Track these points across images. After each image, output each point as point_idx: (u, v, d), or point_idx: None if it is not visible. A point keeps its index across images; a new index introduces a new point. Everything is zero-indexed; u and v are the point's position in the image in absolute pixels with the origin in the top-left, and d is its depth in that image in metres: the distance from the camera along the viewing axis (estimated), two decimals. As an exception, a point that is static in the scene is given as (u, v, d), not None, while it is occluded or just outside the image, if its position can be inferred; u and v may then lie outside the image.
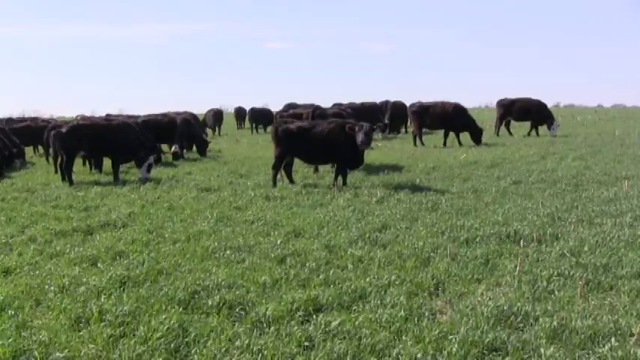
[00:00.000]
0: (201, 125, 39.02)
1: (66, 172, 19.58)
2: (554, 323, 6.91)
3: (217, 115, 49.53)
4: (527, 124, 36.94)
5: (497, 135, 36.10)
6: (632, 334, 6.62)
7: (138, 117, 30.13)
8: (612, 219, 12.13)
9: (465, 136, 31.09)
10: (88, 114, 41.35)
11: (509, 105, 36.64)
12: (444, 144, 30.73)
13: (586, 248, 10.00)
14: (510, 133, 36.31)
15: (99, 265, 9.79)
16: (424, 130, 32.44)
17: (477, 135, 30.57)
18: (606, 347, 6.36)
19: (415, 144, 31.39)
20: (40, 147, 31.35)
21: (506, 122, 36.92)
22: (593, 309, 7.47)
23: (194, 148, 29.14)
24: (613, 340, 6.52)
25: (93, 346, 6.67)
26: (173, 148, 27.45)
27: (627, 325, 6.85)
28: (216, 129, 48.19)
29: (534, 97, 36.88)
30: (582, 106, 40.17)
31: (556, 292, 8.08)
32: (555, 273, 8.74)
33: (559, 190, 16.02)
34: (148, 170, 20.26)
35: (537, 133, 35.81)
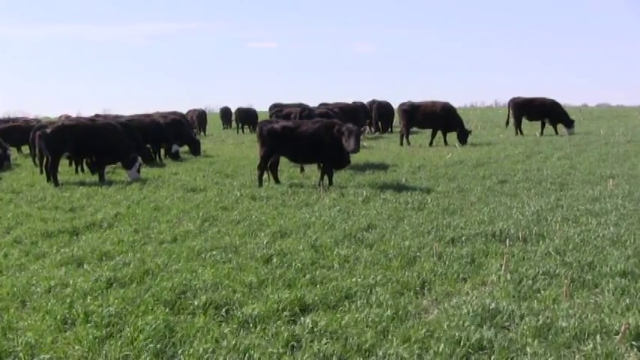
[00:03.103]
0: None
1: (51, 173, 19.53)
2: (540, 322, 6.94)
3: (200, 116, 49.38)
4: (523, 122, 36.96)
5: (521, 134, 35.86)
6: (616, 332, 6.65)
7: (140, 117, 30.12)
8: (597, 218, 12.18)
9: (451, 136, 31.17)
10: (73, 114, 41.16)
11: (524, 104, 36.42)
12: (431, 144, 30.80)
13: (571, 247, 10.05)
14: (520, 133, 36.19)
15: (85, 266, 9.78)
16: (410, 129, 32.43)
17: (463, 135, 30.64)
18: (591, 345, 6.39)
19: (402, 143, 31.42)
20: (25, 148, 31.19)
21: (516, 122, 36.58)
22: (578, 307, 7.50)
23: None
24: (598, 338, 6.55)
25: (79, 347, 6.66)
26: (173, 148, 27.40)
27: (612, 323, 6.88)
28: (199, 129, 47.99)
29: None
30: (567, 105, 40.18)
31: (541, 291, 8.11)
32: (541, 272, 8.78)
33: (544, 189, 16.08)
34: (138, 170, 20.25)
35: (556, 132, 35.89)
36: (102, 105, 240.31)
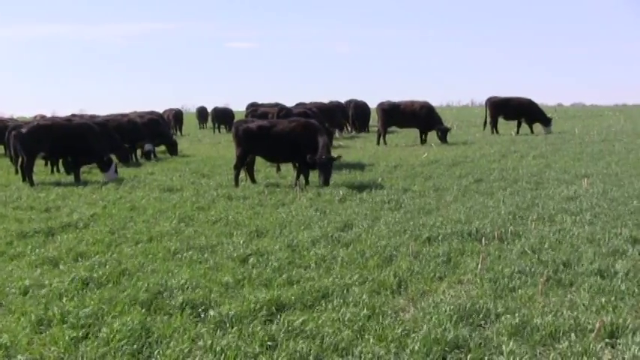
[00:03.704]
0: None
1: (26, 173, 19.41)
2: (516, 320, 6.96)
3: (177, 116, 49.21)
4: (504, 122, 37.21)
5: (497, 133, 36.11)
6: (591, 330, 6.69)
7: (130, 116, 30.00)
8: (572, 216, 12.25)
9: (429, 134, 31.32)
10: (48, 114, 40.90)
11: (501, 104, 36.63)
12: (426, 141, 30.95)
13: (546, 245, 10.10)
14: (495, 131, 36.43)
15: (61, 266, 9.70)
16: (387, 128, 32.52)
17: (443, 134, 30.77)
18: (567, 343, 6.42)
19: (378, 143, 31.48)
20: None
21: (492, 121, 36.81)
22: (553, 305, 7.54)
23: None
24: (573, 336, 6.59)
25: (55, 348, 6.62)
26: (146, 147, 27.29)
27: (587, 321, 6.92)
28: (176, 129, 47.80)
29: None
30: (542, 104, 40.42)
31: (517, 289, 8.14)
32: (516, 270, 8.81)
33: (520, 188, 16.16)
34: (115, 171, 20.21)
35: (532, 131, 36.22)
36: (78, 105, 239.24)
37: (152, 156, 27.25)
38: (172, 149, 28.83)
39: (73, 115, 31.27)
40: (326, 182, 16.94)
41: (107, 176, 19.94)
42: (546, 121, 35.74)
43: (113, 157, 21.02)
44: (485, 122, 37.23)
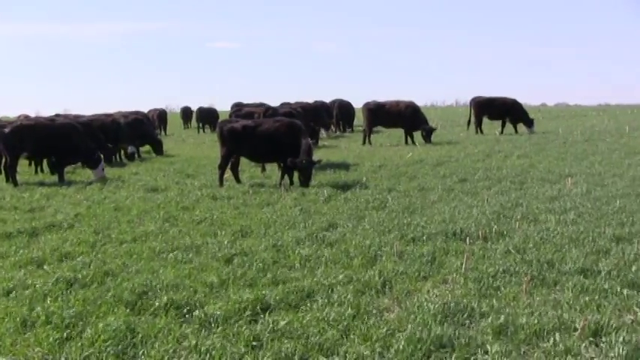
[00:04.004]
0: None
1: (10, 173, 19.33)
2: (500, 319, 6.98)
3: (161, 116, 49.10)
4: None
5: (482, 133, 36.25)
6: (575, 329, 6.71)
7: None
8: (556, 216, 12.30)
9: (415, 135, 31.38)
10: (32, 114, 40.71)
11: (486, 104, 36.78)
12: (414, 142, 31.01)
13: (531, 245, 10.13)
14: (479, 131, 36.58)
15: (45, 267, 9.65)
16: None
17: (428, 134, 30.83)
18: (551, 342, 6.44)
19: (364, 142, 31.52)
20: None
21: (476, 121, 36.95)
22: (537, 305, 7.56)
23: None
24: (557, 334, 6.60)
25: (39, 349, 6.58)
26: (129, 149, 27.19)
27: (571, 320, 6.94)
28: (160, 129, 47.69)
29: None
30: (526, 104, 40.54)
31: (502, 289, 8.16)
32: (501, 270, 8.83)
33: (504, 187, 16.20)
34: (102, 169, 20.18)
35: (516, 131, 36.40)
36: (62, 105, 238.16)
37: (135, 157, 27.14)
38: (158, 149, 28.78)
39: (57, 115, 31.11)
40: (306, 184, 16.96)
41: (96, 174, 19.92)
42: (529, 122, 35.94)
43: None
44: (470, 122, 37.30)
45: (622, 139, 29.82)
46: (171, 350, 6.49)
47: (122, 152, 27.34)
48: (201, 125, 50.00)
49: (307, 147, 17.20)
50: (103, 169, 20.20)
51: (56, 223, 12.79)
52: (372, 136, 32.15)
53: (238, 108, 33.00)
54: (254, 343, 6.62)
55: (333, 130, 40.96)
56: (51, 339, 6.74)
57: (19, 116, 34.46)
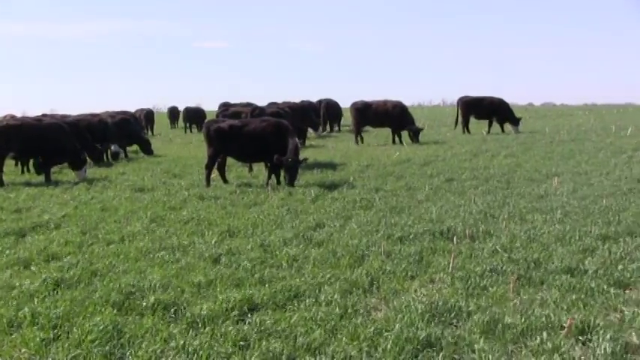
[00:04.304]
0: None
1: (-5, 174, 19.22)
2: (487, 318, 6.99)
3: (148, 116, 48.97)
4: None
5: (469, 133, 36.35)
6: (562, 328, 6.73)
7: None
8: (543, 215, 12.34)
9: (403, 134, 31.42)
10: (18, 114, 40.53)
11: (473, 103, 36.87)
12: (401, 142, 31.09)
13: (517, 244, 10.16)
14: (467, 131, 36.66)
15: (32, 267, 9.63)
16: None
17: (415, 134, 30.87)
18: (537, 341, 6.46)
19: (356, 142, 31.61)
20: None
21: (463, 120, 37.03)
22: (524, 304, 7.57)
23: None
24: (544, 333, 6.61)
25: (25, 350, 6.55)
26: (113, 148, 27.09)
27: (558, 318, 6.96)
28: (147, 129, 47.55)
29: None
30: (513, 104, 40.57)
31: (489, 288, 8.18)
32: (488, 269, 8.86)
33: (491, 187, 16.24)
34: (85, 170, 20.13)
35: (503, 130, 36.57)
36: (49, 104, 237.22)
37: (119, 157, 27.03)
38: (146, 149, 28.68)
39: (44, 115, 30.98)
40: (291, 183, 16.96)
41: (79, 175, 19.86)
42: (515, 121, 36.05)
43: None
44: (457, 121, 37.35)
45: (608, 139, 29.90)
46: (158, 350, 6.47)
47: (108, 152, 27.25)
48: (188, 125, 49.87)
49: (294, 147, 17.20)
50: (85, 171, 20.19)
51: (43, 223, 12.74)
52: (359, 135, 32.13)
53: (225, 108, 32.97)
54: (241, 343, 6.61)
55: (322, 129, 40.98)
56: (37, 339, 6.71)
57: (6, 116, 34.27)
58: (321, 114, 40.65)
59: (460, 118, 36.95)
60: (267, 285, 8.42)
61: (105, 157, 26.50)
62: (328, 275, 8.76)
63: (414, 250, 9.92)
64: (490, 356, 6.18)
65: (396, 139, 31.47)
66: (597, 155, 23.07)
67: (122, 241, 11.22)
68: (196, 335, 6.85)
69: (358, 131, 32.10)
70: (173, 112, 58.44)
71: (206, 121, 20.96)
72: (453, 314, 7.27)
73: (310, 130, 34.01)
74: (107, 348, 6.53)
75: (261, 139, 17.60)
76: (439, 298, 7.66)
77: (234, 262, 9.56)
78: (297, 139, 18.08)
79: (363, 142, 31.31)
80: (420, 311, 7.27)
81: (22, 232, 12.08)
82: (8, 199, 16.20)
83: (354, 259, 9.58)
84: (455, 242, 10.34)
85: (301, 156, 17.90)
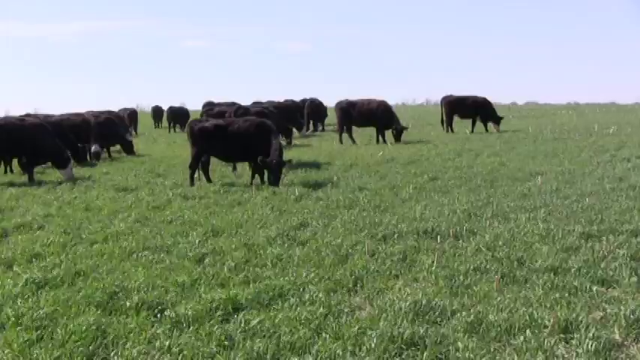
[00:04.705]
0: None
1: (-22, 174, 19.13)
2: (471, 317, 7.02)
3: (132, 115, 48.78)
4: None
5: (452, 132, 36.48)
6: (546, 326, 6.76)
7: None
8: (526, 214, 12.38)
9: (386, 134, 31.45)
10: (1, 113, 40.41)
11: (457, 102, 36.95)
12: (385, 141, 31.12)
13: (501, 243, 10.19)
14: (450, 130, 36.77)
15: (15, 267, 9.57)
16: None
17: (398, 133, 30.89)
18: (521, 339, 6.48)
19: (341, 141, 31.60)
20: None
21: (447, 120, 37.22)
22: (508, 302, 7.59)
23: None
24: (528, 331, 6.64)
25: (9, 350, 6.52)
26: (93, 148, 26.96)
27: (541, 316, 6.99)
28: (131, 128, 47.33)
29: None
30: (496, 103, 40.59)
31: (473, 287, 8.20)
32: (472, 268, 8.88)
33: (475, 186, 16.28)
34: (71, 169, 20.08)
35: (486, 129, 36.74)
36: (32, 104, 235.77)
37: (100, 156, 26.88)
38: (128, 149, 28.56)
39: (28, 115, 30.84)
40: (275, 183, 16.95)
41: (65, 174, 19.80)
42: (497, 120, 36.27)
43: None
44: (442, 120, 37.46)
45: (591, 138, 30.05)
46: (142, 351, 6.46)
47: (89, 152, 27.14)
48: (172, 125, 49.72)
49: (277, 147, 17.20)
50: (71, 169, 20.08)
51: (26, 223, 12.68)
52: (343, 135, 32.10)
53: (210, 107, 32.89)
54: (226, 343, 6.60)
55: (307, 129, 40.99)
56: (21, 340, 6.68)
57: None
58: (305, 113, 40.63)
59: (444, 118, 37.05)
60: (251, 284, 8.42)
61: (88, 157, 26.39)
62: (312, 274, 8.77)
63: (398, 249, 9.94)
64: (474, 355, 6.20)
65: (380, 138, 31.50)
66: (580, 154, 23.20)
67: (106, 241, 11.17)
68: (180, 335, 6.83)
69: (342, 131, 32.06)
70: (157, 112, 58.17)
71: (190, 120, 20.90)
72: (437, 313, 7.29)
73: (295, 130, 34.01)
74: (91, 348, 6.53)
75: (245, 138, 17.60)
76: (423, 297, 7.66)
77: (218, 262, 9.55)
78: (280, 138, 18.07)
79: (354, 142, 31.18)
80: (404, 310, 7.29)
81: (5, 232, 12.02)
82: (-9, 199, 16.12)
83: (339, 259, 9.59)
84: (439, 241, 10.36)
85: (286, 156, 17.92)
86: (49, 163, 21.02)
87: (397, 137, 30.89)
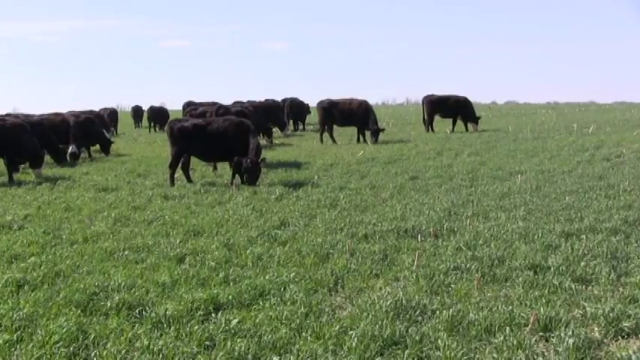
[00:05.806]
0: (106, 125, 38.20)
1: (-43, 174, 19.03)
2: (452, 315, 7.03)
3: (112, 115, 48.59)
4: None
5: (432, 131, 36.59)
6: (526, 324, 6.79)
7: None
8: (506, 213, 12.43)
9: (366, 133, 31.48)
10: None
11: (438, 102, 37.07)
12: (365, 140, 31.06)
13: (481, 242, 10.22)
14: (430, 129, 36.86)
15: (-7, 268, 9.52)
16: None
17: (375, 134, 30.89)
18: (502, 337, 6.50)
19: (322, 140, 31.61)
20: None
21: (428, 119, 37.37)
22: (488, 300, 7.63)
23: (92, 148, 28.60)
24: (508, 330, 6.67)
25: (-12, 351, 6.49)
26: (70, 149, 26.82)
27: (521, 315, 7.02)
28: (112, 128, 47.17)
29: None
30: (476, 102, 40.84)
31: (453, 285, 8.23)
32: (452, 266, 8.90)
33: (455, 185, 16.34)
34: (41, 166, 20.08)
35: (466, 128, 36.87)
36: (11, 104, 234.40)
37: (77, 156, 26.69)
38: (105, 149, 28.42)
39: (8, 115, 30.67)
40: (252, 183, 16.97)
41: (37, 173, 19.80)
42: (475, 120, 36.58)
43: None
44: (424, 120, 37.56)
45: (570, 137, 30.21)
46: (123, 351, 6.43)
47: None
48: (152, 124, 49.57)
49: (255, 146, 17.21)
50: (41, 167, 20.20)
51: (5, 224, 12.61)
52: (324, 134, 32.09)
53: (194, 107, 32.85)
54: (207, 343, 6.59)
55: (288, 128, 41.01)
56: (1, 341, 6.64)
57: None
58: (285, 113, 40.63)
59: (425, 117, 37.17)
60: (232, 284, 8.41)
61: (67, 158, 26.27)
62: (293, 274, 8.76)
63: (379, 249, 9.96)
64: (454, 353, 6.20)
65: (361, 137, 31.54)
66: (560, 153, 23.32)
67: (86, 241, 11.13)
68: (161, 335, 6.82)
69: (323, 130, 32.05)
70: (137, 112, 58.03)
71: (169, 120, 20.86)
72: (417, 312, 7.30)
73: (276, 129, 34.02)
74: (71, 349, 6.50)
75: (223, 138, 17.60)
76: (404, 296, 7.67)
77: (198, 262, 9.53)
78: (258, 138, 18.08)
79: (335, 142, 31.19)
80: (384, 309, 7.29)
81: (-16, 233, 11.95)
82: (-31, 199, 16.02)
83: (319, 258, 9.59)
84: (419, 240, 10.40)
85: (266, 156, 17.93)
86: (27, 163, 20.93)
87: (372, 137, 30.80)
